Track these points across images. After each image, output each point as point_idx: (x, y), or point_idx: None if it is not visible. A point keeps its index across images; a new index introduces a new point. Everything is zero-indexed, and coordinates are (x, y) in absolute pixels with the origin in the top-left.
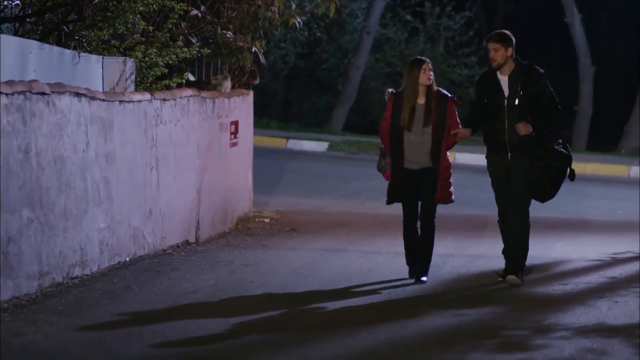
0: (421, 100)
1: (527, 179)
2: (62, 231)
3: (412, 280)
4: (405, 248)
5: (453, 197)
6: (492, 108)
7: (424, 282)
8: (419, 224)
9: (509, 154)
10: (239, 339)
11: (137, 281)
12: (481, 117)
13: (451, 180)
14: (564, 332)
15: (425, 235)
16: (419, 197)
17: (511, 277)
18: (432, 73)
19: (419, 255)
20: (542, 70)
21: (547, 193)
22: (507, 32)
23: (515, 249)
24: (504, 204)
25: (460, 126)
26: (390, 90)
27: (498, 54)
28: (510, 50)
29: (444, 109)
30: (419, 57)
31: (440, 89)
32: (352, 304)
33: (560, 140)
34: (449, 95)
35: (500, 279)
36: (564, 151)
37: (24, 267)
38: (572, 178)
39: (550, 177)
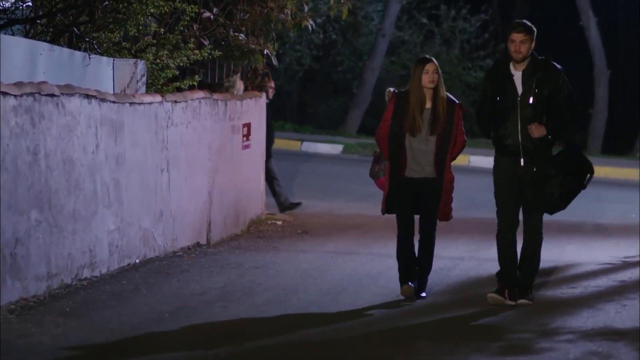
0: (427, 104)
1: (543, 189)
2: (71, 233)
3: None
4: (400, 264)
5: (452, 213)
6: (503, 106)
7: (423, 297)
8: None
9: (522, 160)
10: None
11: (146, 283)
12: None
13: (453, 195)
14: (570, 335)
15: (424, 251)
16: (417, 209)
17: (523, 301)
18: (437, 76)
19: (417, 272)
20: (559, 67)
21: (560, 205)
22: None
23: (525, 264)
24: (508, 216)
25: (464, 135)
26: (391, 89)
27: (525, 46)
28: (534, 44)
29: (451, 117)
30: (426, 56)
31: (448, 94)
32: (359, 306)
33: (578, 145)
34: (457, 101)
35: (510, 302)
36: (581, 161)
37: (32, 269)
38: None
39: (566, 188)
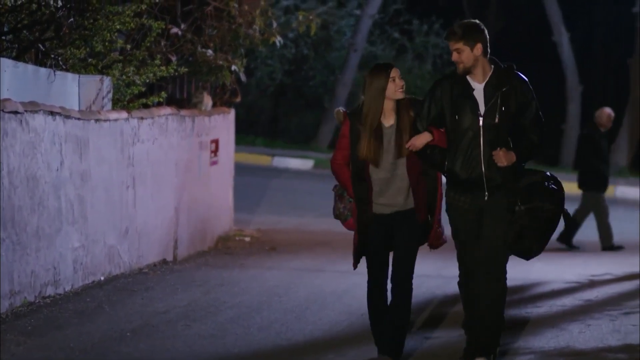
0: (389, 121)
1: (509, 228)
2: (35, 250)
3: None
4: (372, 319)
5: (445, 236)
6: (461, 128)
7: None
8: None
9: (486, 194)
10: None
11: (110, 301)
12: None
13: (440, 216)
14: (531, 355)
15: (398, 305)
16: (391, 249)
17: None
18: (403, 83)
19: (389, 329)
20: (525, 78)
21: (534, 247)
22: (475, 21)
23: (486, 320)
24: (471, 260)
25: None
26: (340, 109)
27: (463, 55)
28: (479, 48)
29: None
30: (383, 62)
31: (409, 96)
32: (322, 325)
33: (548, 173)
34: (419, 99)
35: None
36: (556, 188)
37: None
38: (568, 221)
39: (539, 225)
